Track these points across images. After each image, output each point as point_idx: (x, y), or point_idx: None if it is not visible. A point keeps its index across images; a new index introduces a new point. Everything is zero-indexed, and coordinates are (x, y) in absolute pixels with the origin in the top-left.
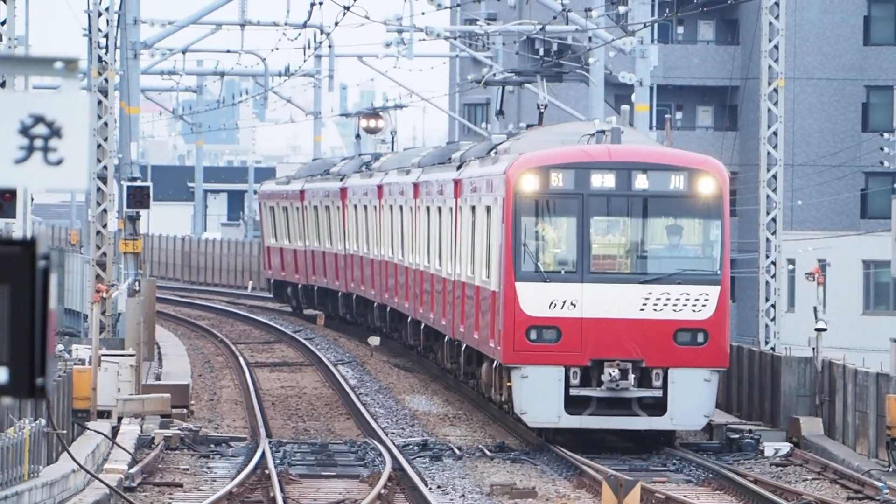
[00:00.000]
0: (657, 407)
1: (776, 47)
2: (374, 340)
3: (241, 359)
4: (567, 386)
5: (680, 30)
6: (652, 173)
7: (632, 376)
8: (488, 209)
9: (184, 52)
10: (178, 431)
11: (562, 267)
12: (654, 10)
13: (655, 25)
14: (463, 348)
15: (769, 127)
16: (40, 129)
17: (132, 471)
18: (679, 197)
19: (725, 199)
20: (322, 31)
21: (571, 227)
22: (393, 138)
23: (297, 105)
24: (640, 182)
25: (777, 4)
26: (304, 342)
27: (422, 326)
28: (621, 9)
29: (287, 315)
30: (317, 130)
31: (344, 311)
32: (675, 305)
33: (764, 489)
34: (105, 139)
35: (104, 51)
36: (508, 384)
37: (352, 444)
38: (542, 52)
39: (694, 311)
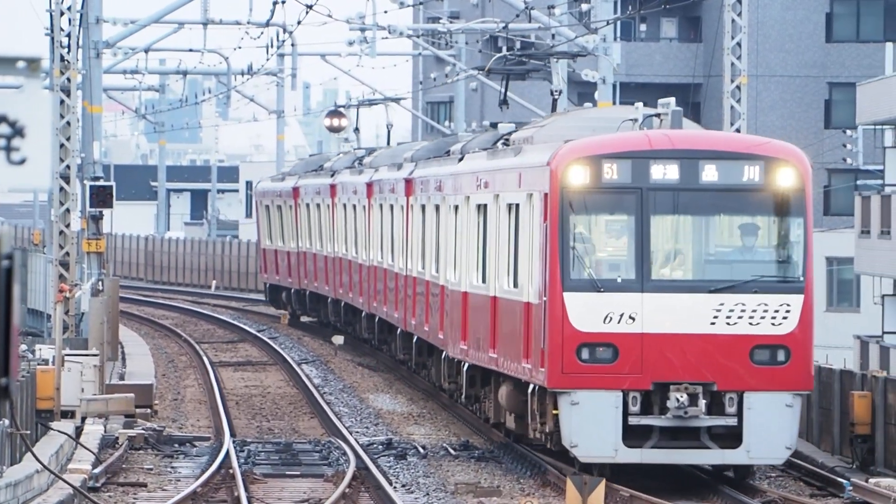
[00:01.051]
0: (729, 437)
1: (739, 44)
2: (338, 339)
3: (204, 358)
4: (625, 414)
5: (642, 27)
6: (722, 163)
7: (702, 402)
8: (512, 207)
9: (146, 51)
10: (142, 431)
11: (617, 274)
12: (617, 8)
13: (618, 23)
14: (465, 367)
15: (732, 124)
16: (3, 129)
17: (96, 471)
18: (754, 190)
19: (808, 192)
20: (285, 30)
21: (628, 227)
22: (388, 132)
23: (260, 104)
24: (709, 173)
25: (739, 2)
26: (268, 341)
27: (414, 339)
28: (584, 6)
29: (251, 314)
30: (280, 129)
31: (334, 320)
32: (751, 318)
33: (728, 486)
34: (68, 138)
35: (66, 50)
36: (554, 412)
37: (316, 444)
38: (504, 49)
39: (773, 324)
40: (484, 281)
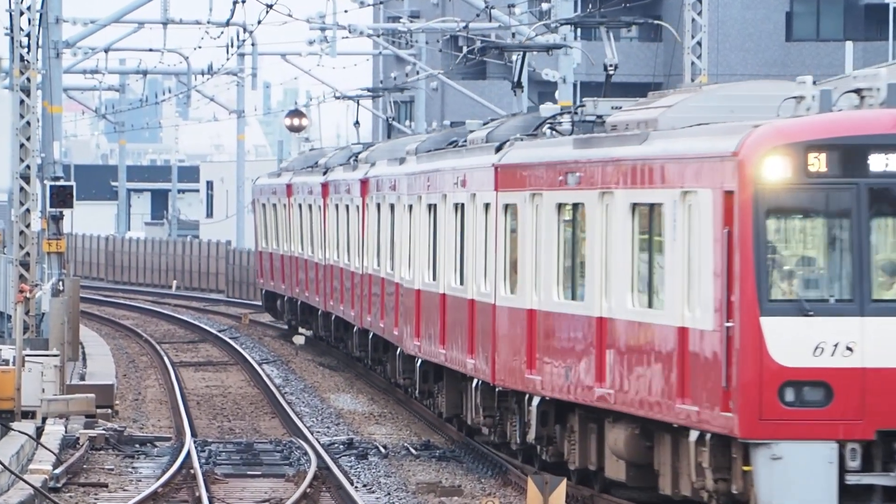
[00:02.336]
0: None
1: (699, 43)
2: (299, 339)
3: (165, 358)
4: (842, 470)
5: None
6: None
7: None
8: (640, 208)
9: (106, 50)
10: (103, 431)
11: (830, 293)
12: (577, 7)
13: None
14: (534, 403)
15: None
16: None
17: (57, 471)
18: None
19: None
20: (245, 30)
21: (843, 234)
22: (389, 124)
23: (221, 103)
24: None
25: (699, 1)
26: (229, 341)
27: (418, 363)
28: (544, 5)
29: (212, 314)
30: (240, 129)
31: (325, 334)
32: None
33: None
34: (27, 138)
35: (26, 50)
36: (745, 468)
37: (277, 444)
38: (465, 49)
39: None
40: (574, 297)
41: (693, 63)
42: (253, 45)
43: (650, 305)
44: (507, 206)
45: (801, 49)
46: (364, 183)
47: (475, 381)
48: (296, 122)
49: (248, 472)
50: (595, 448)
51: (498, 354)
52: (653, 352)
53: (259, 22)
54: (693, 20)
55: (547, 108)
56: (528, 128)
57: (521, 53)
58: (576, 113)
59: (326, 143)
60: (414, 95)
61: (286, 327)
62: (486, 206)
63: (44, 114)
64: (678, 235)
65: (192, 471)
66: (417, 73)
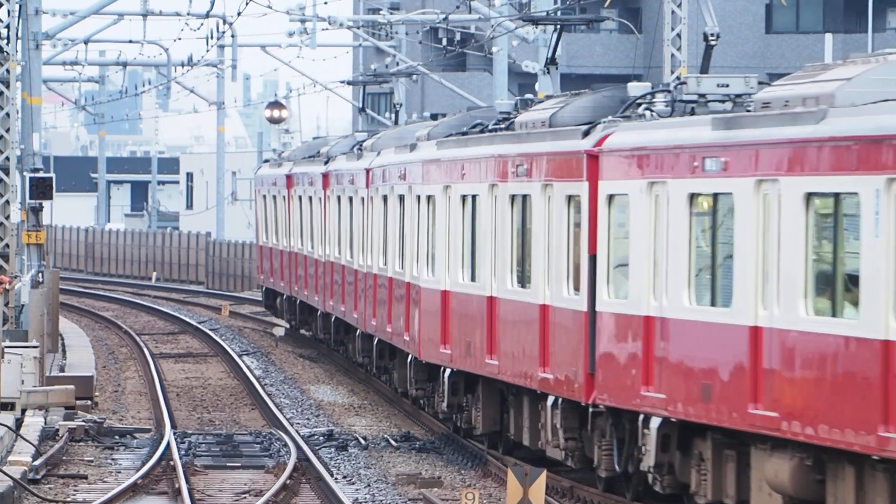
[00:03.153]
0: None
1: (679, 36)
2: (279, 331)
3: (145, 350)
4: None
5: None
6: None
7: None
8: (811, 199)
9: (86, 42)
10: (83, 423)
11: None
12: None
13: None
14: (655, 425)
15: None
16: None
17: (36, 463)
18: None
19: None
20: (225, 21)
21: None
22: (397, 112)
23: (201, 95)
24: None
25: None
26: (209, 333)
27: (445, 372)
28: None
29: (192, 306)
30: (220, 120)
31: (325, 336)
32: None
33: None
34: (7, 130)
35: (6, 41)
36: None
37: (257, 435)
38: (445, 41)
39: None
40: (714, 303)
41: (673, 55)
42: (233, 36)
43: (834, 314)
44: (610, 198)
45: (781, 41)
46: (368, 172)
47: (551, 398)
48: (276, 113)
49: (228, 464)
50: (734, 478)
51: (598, 369)
52: (840, 369)
53: (239, 13)
54: (673, 12)
55: (635, 87)
56: (602, 108)
57: (557, 27)
58: (670, 92)
59: (306, 136)
60: (394, 87)
61: (268, 321)
62: (570, 198)
63: (23, 105)
64: (881, 230)
65: (171, 462)
66: (397, 64)
